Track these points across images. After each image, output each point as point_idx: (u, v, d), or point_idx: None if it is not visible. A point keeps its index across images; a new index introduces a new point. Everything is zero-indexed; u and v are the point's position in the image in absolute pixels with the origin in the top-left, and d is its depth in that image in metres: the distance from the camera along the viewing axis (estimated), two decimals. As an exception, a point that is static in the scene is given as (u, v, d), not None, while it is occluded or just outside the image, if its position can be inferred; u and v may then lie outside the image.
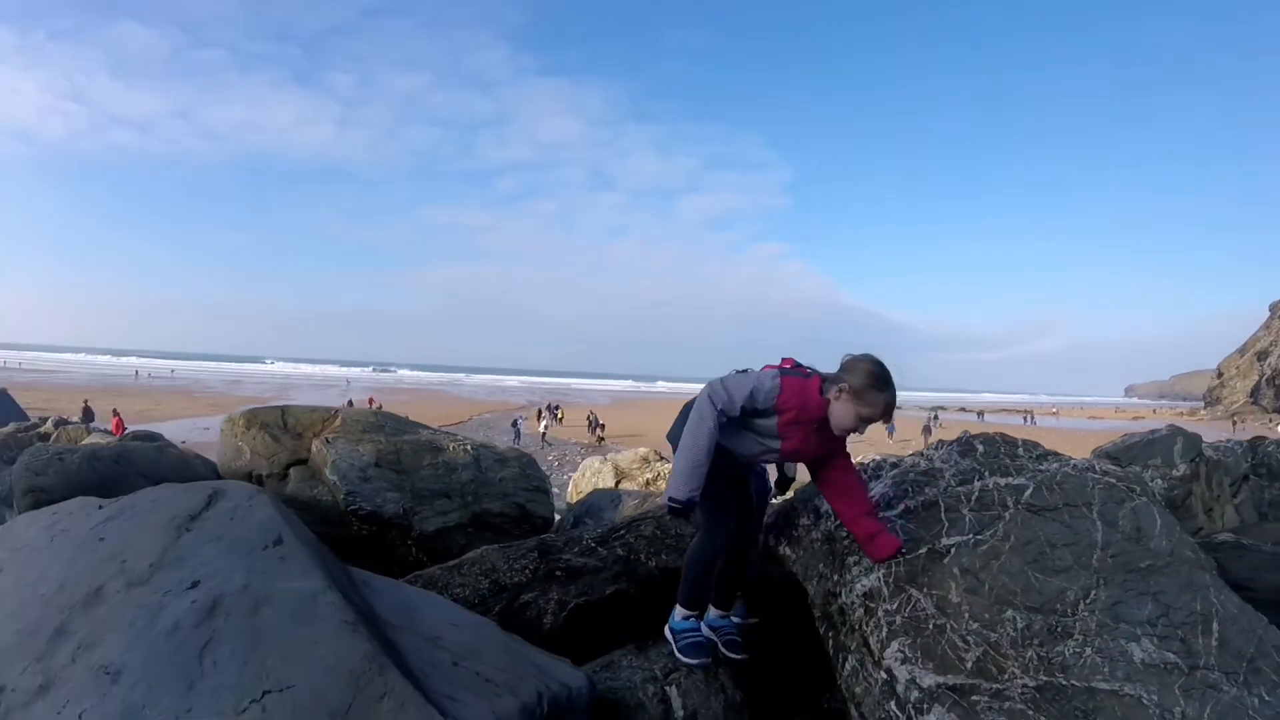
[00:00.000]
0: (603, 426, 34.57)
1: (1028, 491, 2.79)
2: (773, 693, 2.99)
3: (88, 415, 23.84)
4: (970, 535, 2.64)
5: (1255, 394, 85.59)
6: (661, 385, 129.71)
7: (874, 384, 2.56)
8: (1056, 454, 3.14)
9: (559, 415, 40.53)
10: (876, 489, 3.06)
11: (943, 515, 2.77)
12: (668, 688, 2.75)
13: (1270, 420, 63.68)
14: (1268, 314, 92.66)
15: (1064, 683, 2.14)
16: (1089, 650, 2.21)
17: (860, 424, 2.60)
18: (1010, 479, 2.90)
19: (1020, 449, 3.16)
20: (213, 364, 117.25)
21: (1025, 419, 63.69)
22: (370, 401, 36.53)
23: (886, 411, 2.59)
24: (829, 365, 2.72)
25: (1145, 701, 2.07)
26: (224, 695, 1.72)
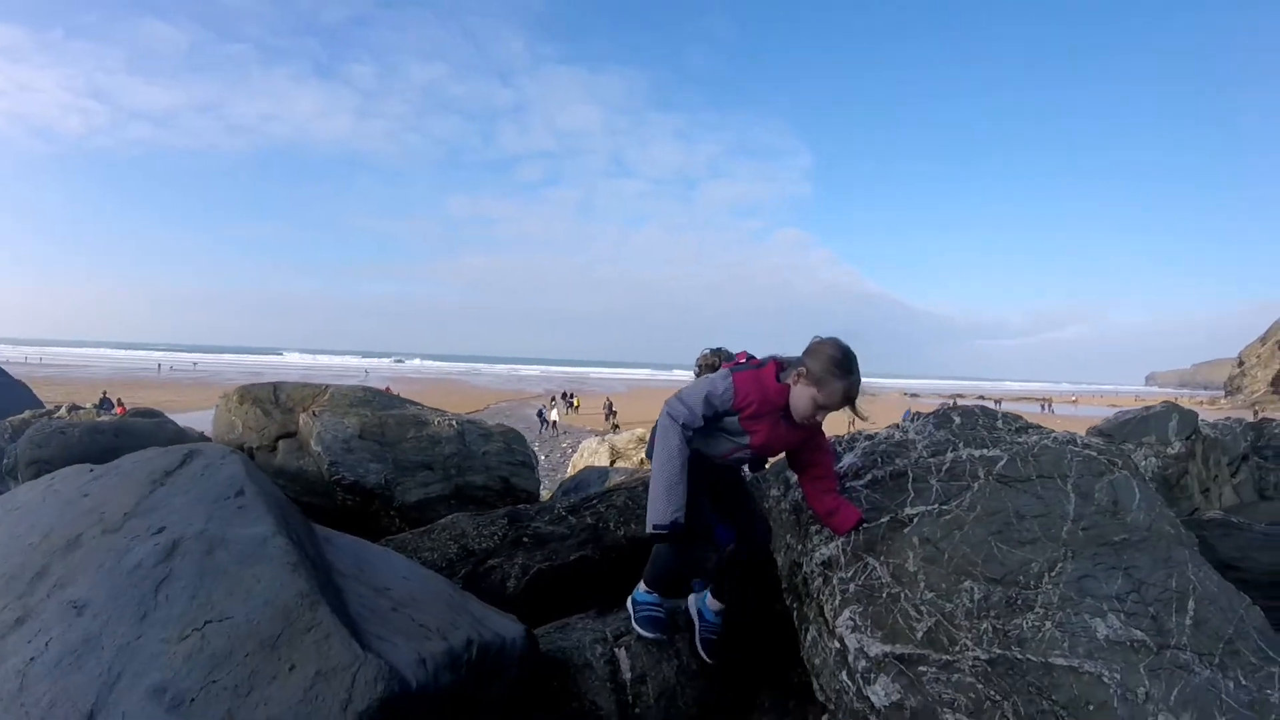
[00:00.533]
0: (615, 414, 34.75)
1: (1001, 463, 2.67)
2: (737, 663, 2.91)
3: (104, 405, 24.18)
4: (935, 505, 2.54)
5: (1276, 383, 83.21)
6: (679, 374, 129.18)
7: (833, 370, 2.36)
8: (1039, 427, 3.02)
9: (574, 403, 40.87)
10: (845, 460, 2.98)
11: (910, 485, 2.68)
12: (617, 650, 2.71)
13: (1291, 408, 62.02)
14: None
15: (1019, 657, 2.04)
16: (1049, 624, 2.10)
17: (818, 411, 2.43)
18: (985, 450, 2.78)
19: (1000, 422, 3.04)
20: (235, 356, 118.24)
21: (1043, 407, 62.97)
22: (387, 390, 36.71)
23: (846, 400, 2.40)
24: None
25: (1106, 680, 1.96)
26: (171, 625, 1.91)
